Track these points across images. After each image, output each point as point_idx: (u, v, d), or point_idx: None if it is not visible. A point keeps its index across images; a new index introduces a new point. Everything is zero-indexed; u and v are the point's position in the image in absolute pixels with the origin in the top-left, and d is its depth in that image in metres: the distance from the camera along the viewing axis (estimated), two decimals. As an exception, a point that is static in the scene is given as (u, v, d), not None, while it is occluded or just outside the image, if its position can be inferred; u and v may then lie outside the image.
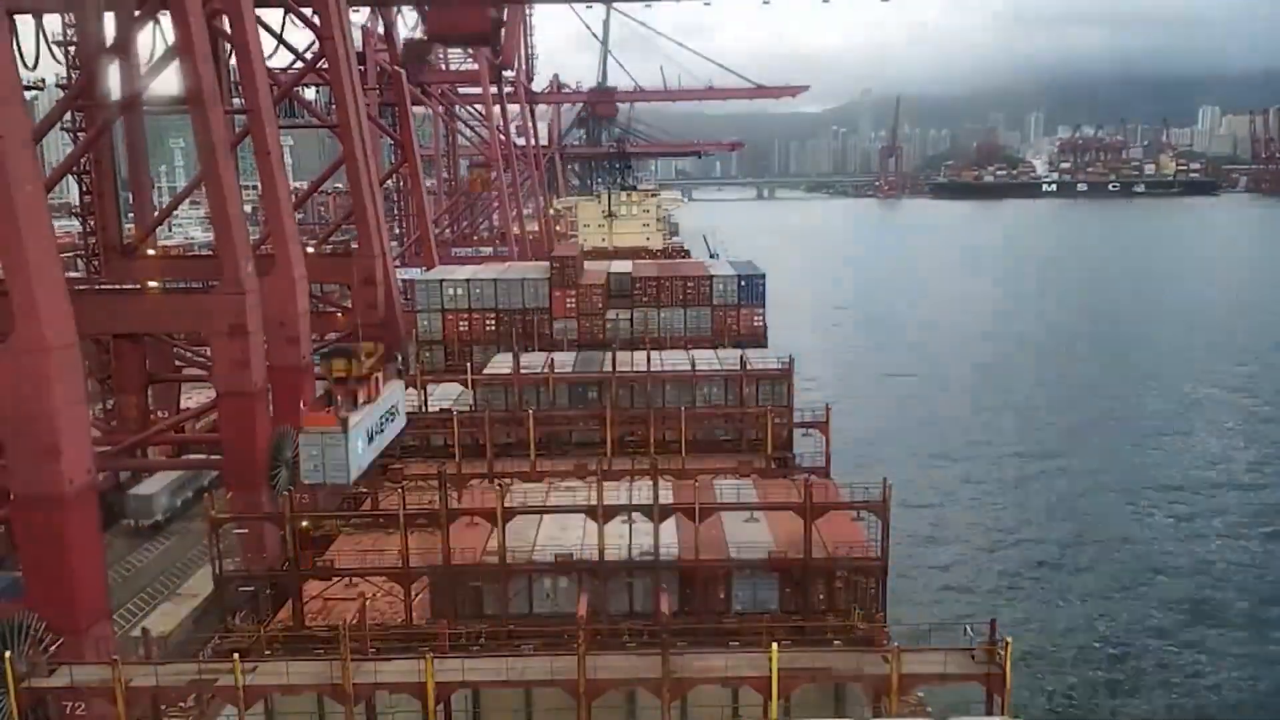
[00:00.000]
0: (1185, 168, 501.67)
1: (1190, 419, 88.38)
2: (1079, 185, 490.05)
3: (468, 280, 49.06)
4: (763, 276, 50.24)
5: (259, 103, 36.38)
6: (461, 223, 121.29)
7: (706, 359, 44.93)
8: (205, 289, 34.79)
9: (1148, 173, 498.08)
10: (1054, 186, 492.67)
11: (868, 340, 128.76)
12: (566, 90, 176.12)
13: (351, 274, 48.92)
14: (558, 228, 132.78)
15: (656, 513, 27.72)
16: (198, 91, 32.16)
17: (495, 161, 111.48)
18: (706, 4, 70.11)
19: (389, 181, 78.47)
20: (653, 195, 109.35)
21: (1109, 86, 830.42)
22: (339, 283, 52.49)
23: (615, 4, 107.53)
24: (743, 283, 49.71)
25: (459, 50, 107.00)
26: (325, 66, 48.11)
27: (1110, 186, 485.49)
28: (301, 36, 52.09)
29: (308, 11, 47.07)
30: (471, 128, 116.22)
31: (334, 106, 50.39)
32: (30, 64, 43.78)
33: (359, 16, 77.40)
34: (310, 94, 69.26)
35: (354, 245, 52.68)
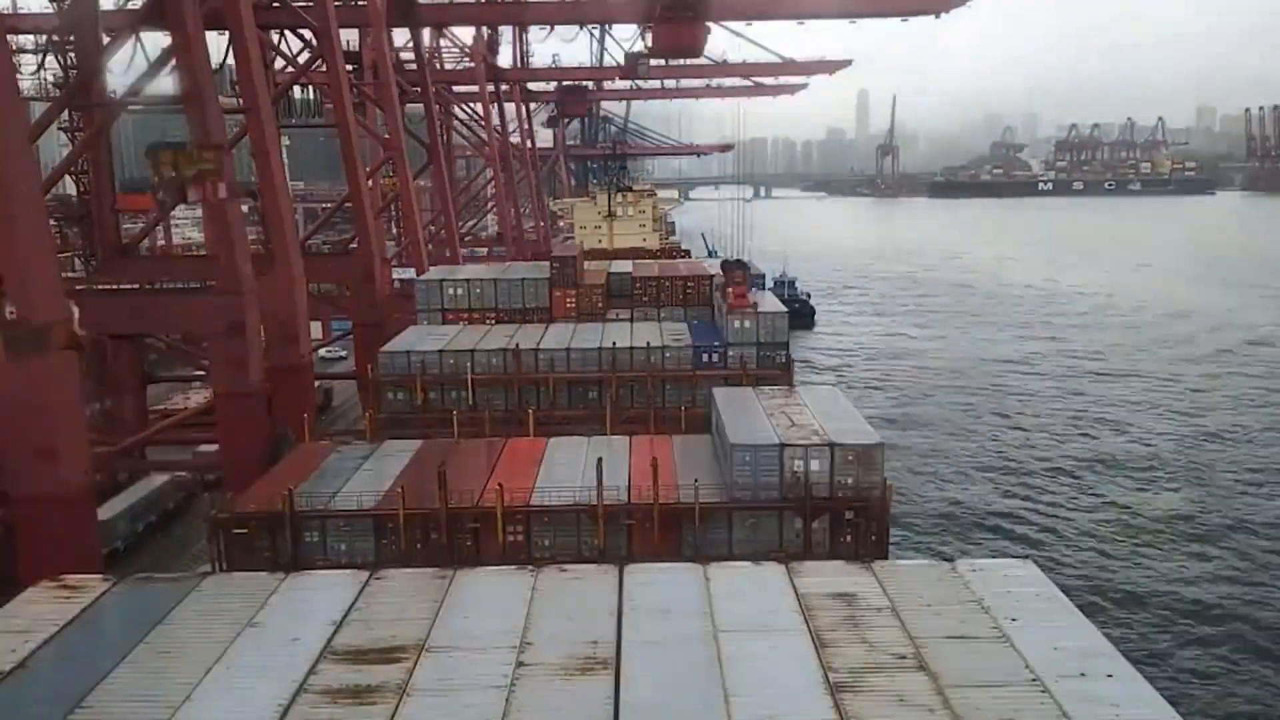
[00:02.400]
0: (1181, 166, 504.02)
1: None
2: (1075, 184, 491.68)
3: (468, 280, 48.96)
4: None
5: (258, 103, 36.31)
6: (457, 223, 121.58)
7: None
8: (202, 289, 35.20)
9: (1144, 171, 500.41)
10: (1050, 185, 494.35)
11: (871, 333, 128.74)
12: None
13: (349, 273, 49.24)
14: (557, 224, 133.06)
15: (656, 512, 27.58)
16: (196, 91, 32.20)
17: (492, 161, 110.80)
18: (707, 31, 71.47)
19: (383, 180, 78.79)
20: (649, 195, 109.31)
21: (1105, 85, 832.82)
22: (337, 282, 52.86)
23: (608, 23, 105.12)
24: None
25: (456, 49, 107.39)
26: (324, 69, 48.54)
27: (1106, 185, 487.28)
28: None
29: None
30: (469, 127, 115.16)
31: (331, 108, 51.20)
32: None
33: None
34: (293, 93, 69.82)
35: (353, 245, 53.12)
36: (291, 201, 41.20)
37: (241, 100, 37.02)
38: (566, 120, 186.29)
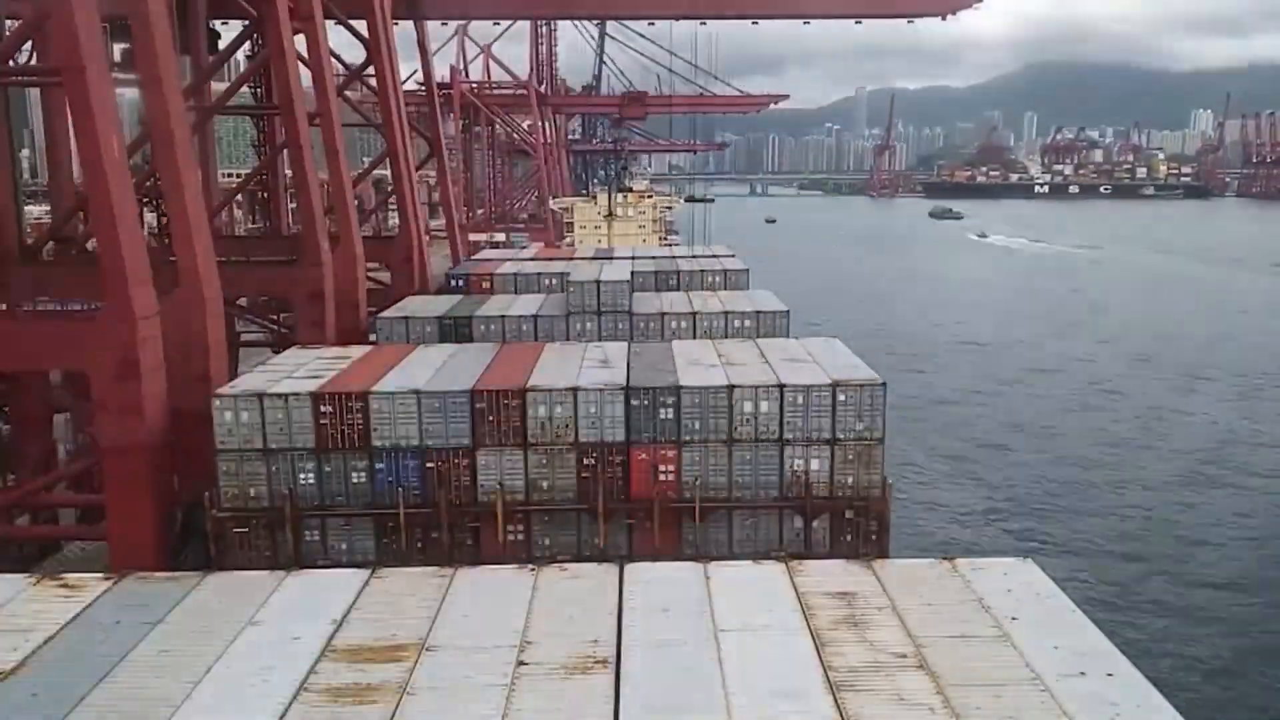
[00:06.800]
0: (1176, 171, 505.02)
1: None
2: (1070, 187, 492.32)
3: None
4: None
5: (329, 108, 41.95)
6: (493, 210, 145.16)
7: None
8: (84, 313, 30.12)
9: (1139, 175, 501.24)
10: (1045, 188, 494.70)
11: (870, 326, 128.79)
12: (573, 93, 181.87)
13: (390, 255, 53.36)
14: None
15: (657, 511, 27.65)
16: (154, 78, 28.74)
17: (537, 158, 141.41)
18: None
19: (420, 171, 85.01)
20: (648, 197, 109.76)
21: (1103, 88, 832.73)
22: (380, 261, 55.84)
23: (612, 19, 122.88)
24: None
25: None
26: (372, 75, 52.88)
27: (1102, 189, 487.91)
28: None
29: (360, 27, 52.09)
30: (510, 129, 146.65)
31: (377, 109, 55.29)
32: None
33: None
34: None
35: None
36: (353, 192, 46.98)
37: (316, 105, 42.49)
38: (568, 116, 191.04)
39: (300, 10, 40.54)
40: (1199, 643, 44.29)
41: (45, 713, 12.67)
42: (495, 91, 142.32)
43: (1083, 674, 13.06)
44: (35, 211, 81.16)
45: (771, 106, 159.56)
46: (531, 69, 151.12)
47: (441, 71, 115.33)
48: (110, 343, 25.45)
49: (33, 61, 35.09)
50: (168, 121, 28.32)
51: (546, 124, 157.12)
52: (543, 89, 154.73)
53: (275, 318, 48.25)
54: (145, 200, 50.81)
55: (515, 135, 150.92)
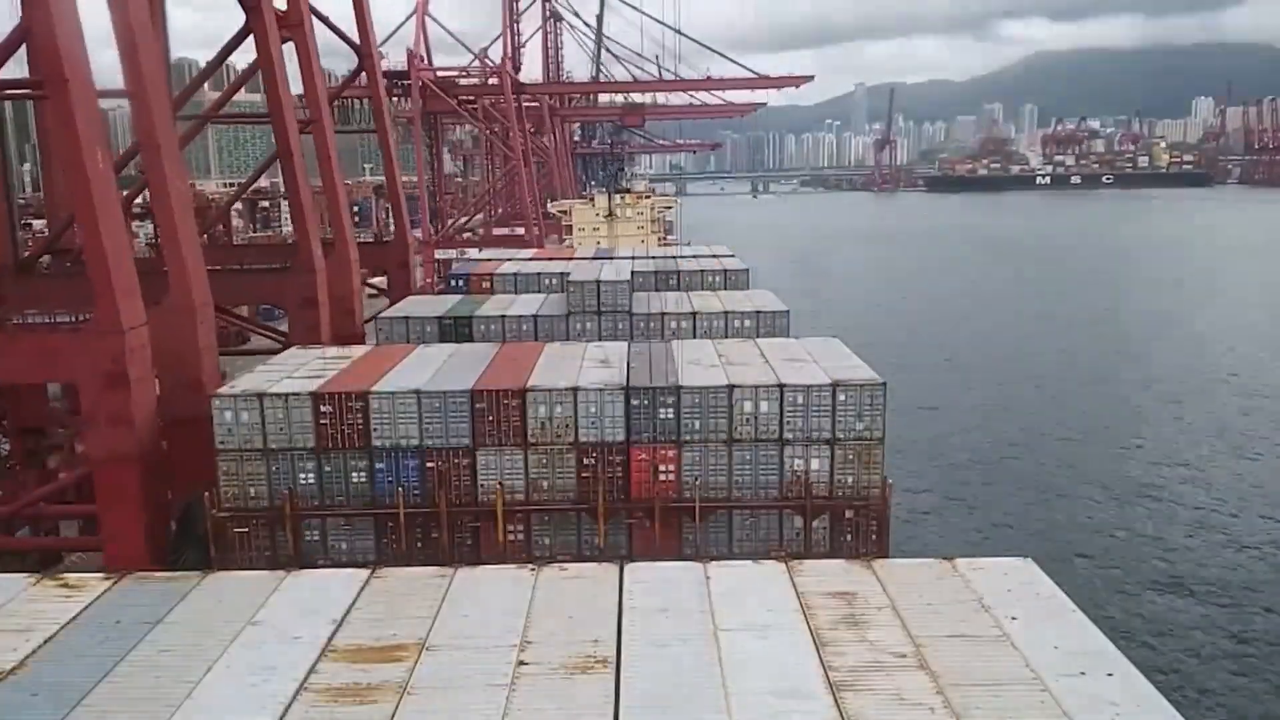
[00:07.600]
0: (1179, 159, 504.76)
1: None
2: (1072, 178, 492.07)
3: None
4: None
5: (320, 115, 41.88)
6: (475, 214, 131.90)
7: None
8: (73, 325, 31.75)
9: (1141, 164, 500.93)
10: (1047, 179, 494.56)
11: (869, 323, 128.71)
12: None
13: (387, 260, 53.70)
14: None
15: (657, 511, 27.66)
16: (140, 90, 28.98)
17: (517, 162, 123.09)
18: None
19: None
20: (646, 197, 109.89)
21: (1104, 78, 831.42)
22: (375, 267, 56.60)
23: None
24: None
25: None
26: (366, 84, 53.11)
27: (1104, 179, 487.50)
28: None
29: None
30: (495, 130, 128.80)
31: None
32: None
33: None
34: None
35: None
36: (347, 197, 47.55)
37: (309, 112, 42.46)
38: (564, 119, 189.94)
39: (289, 18, 39.91)
40: (1200, 642, 44.32)
41: (45, 713, 12.66)
42: (464, 81, 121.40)
43: (1083, 674, 13.04)
44: (37, 225, 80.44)
45: (769, 105, 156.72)
46: (505, 53, 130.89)
47: (398, 58, 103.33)
48: (98, 354, 25.42)
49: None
50: (154, 132, 28.26)
51: (524, 117, 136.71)
52: (520, 77, 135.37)
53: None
54: (141, 211, 51.01)
55: (490, 131, 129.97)
